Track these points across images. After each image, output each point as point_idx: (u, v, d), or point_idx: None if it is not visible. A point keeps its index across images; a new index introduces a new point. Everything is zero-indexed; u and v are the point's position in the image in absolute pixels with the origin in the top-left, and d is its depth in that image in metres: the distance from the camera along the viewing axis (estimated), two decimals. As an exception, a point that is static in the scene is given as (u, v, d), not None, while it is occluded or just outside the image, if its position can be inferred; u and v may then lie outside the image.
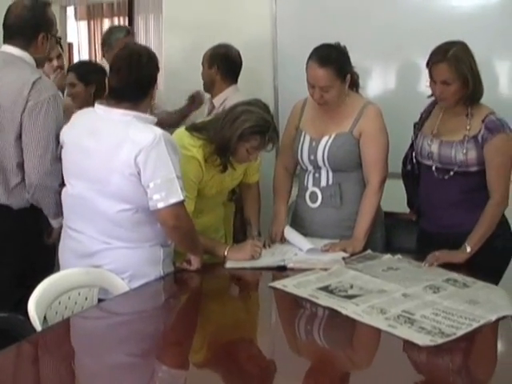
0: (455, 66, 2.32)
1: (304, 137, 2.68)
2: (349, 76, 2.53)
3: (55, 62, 3.67)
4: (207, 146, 2.46)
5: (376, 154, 2.59)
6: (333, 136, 2.61)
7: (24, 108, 2.44)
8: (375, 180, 2.59)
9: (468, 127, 2.40)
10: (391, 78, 3.51)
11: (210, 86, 3.45)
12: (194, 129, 2.53)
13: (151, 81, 2.24)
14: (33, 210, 2.57)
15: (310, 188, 2.68)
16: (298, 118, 2.74)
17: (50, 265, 2.55)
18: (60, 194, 2.39)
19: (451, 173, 2.42)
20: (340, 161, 2.60)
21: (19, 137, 2.47)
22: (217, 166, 2.48)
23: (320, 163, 2.64)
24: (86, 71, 3.32)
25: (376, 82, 3.35)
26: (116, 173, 2.16)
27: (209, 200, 2.61)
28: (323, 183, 2.65)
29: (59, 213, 2.45)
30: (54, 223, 2.59)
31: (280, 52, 3.68)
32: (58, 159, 2.44)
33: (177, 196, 2.16)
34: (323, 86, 2.49)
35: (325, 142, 2.62)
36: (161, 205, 2.14)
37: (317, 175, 2.67)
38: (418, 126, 2.61)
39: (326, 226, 2.66)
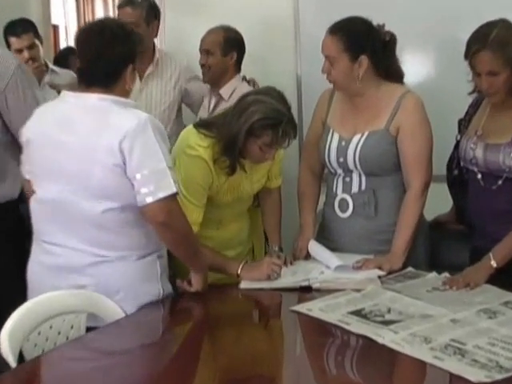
0: (501, 51, 2.30)
1: (332, 135, 2.68)
2: (364, 59, 2.51)
3: (26, 54, 3.66)
4: (217, 144, 2.47)
5: (417, 152, 2.57)
6: (366, 134, 2.60)
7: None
8: (417, 183, 2.57)
9: None
10: (432, 63, 3.53)
11: (219, 76, 3.47)
12: (201, 125, 2.54)
13: (126, 61, 2.22)
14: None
15: (340, 195, 2.68)
16: (325, 111, 2.74)
17: None
18: None
19: (499, 182, 2.42)
20: (374, 163, 2.60)
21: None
22: (225, 168, 2.49)
23: (351, 166, 2.63)
24: None
25: (413, 69, 3.31)
26: (98, 165, 2.14)
27: (227, 208, 2.63)
28: (355, 189, 2.65)
29: None
30: None
31: (303, 34, 3.70)
32: None
33: (168, 189, 2.14)
34: (328, 56, 2.52)
35: (356, 141, 2.61)
36: (149, 199, 2.13)
37: (347, 180, 2.67)
38: (464, 124, 2.60)
39: (357, 239, 2.65)
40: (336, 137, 2.67)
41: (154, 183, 2.13)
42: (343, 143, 2.64)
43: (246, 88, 3.21)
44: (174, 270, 2.48)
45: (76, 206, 2.19)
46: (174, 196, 2.16)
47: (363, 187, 2.63)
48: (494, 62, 2.31)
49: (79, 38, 2.26)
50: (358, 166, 2.61)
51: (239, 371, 1.88)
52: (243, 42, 3.47)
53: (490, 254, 2.34)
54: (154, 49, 3.66)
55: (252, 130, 2.39)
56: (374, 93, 2.60)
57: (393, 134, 2.58)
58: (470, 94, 2.53)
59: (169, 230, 2.20)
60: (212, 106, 3.50)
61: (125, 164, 2.13)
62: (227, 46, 3.43)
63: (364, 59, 2.52)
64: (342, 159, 2.64)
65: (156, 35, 3.72)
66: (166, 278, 2.37)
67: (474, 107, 2.60)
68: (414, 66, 3.42)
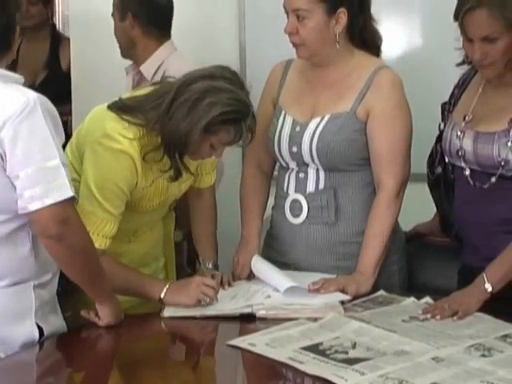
0: (501, 11, 2.30)
1: (284, 119, 2.69)
2: (343, 13, 2.54)
3: None
4: (145, 135, 2.44)
5: (392, 144, 2.59)
6: (326, 118, 2.61)
7: None
8: (391, 183, 2.59)
9: None
10: (414, 30, 3.57)
11: (128, 48, 3.48)
12: (122, 109, 2.48)
13: (12, 26, 2.22)
14: None
15: (292, 195, 2.69)
16: (277, 89, 2.75)
17: None
18: None
19: (493, 179, 2.43)
20: (336, 155, 2.61)
21: None
22: (164, 171, 2.48)
23: (306, 158, 2.63)
24: None
25: (390, 39, 3.28)
26: None
27: (145, 216, 2.63)
28: (310, 188, 2.66)
29: None
30: None
31: None
32: None
33: (62, 192, 2.07)
34: (296, 10, 2.52)
35: (314, 126, 2.62)
36: (36, 205, 2.06)
37: (301, 176, 2.68)
38: (449, 108, 2.63)
39: (313, 252, 2.67)
40: (289, 120, 2.68)
41: (43, 184, 2.06)
42: (297, 128, 2.65)
43: (177, 64, 3.24)
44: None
45: None
46: (70, 201, 2.11)
47: (321, 186, 2.65)
48: (490, 25, 2.33)
49: None
50: (316, 159, 2.62)
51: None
52: None
53: (484, 276, 2.34)
54: None
55: (210, 126, 2.38)
56: (342, 65, 2.63)
57: (361, 118, 2.60)
58: (459, 65, 2.56)
59: (62, 246, 2.14)
60: (131, 85, 3.52)
61: (3, 159, 2.07)
62: (121, 7, 3.45)
63: (343, 13, 2.55)
64: (295, 149, 2.65)
65: None
66: (53, 316, 2.32)
67: (460, 88, 2.63)
68: (391, 34, 3.42)
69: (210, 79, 2.41)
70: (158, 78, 3.06)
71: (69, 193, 2.09)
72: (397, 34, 3.55)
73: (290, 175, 2.70)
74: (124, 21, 3.42)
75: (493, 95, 2.48)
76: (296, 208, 2.68)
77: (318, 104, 2.64)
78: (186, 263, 3.24)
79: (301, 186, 2.67)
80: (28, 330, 2.22)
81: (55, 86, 4.39)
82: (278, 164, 2.79)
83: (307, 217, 2.66)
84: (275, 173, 2.85)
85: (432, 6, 3.46)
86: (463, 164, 2.50)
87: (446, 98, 2.66)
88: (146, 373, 2.11)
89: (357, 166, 2.63)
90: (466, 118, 2.50)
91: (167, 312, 2.40)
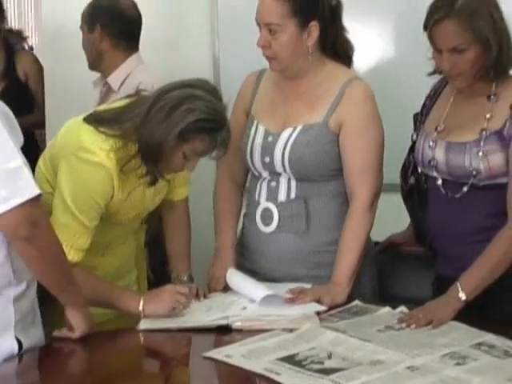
0: (468, 22, 2.31)
1: (256, 128, 2.70)
2: (315, 26, 2.54)
3: None
4: (122, 147, 2.42)
5: (365, 156, 2.60)
6: (299, 128, 2.61)
7: None
8: (364, 194, 2.60)
9: (488, 116, 2.41)
10: (387, 41, 3.57)
11: (96, 59, 3.45)
12: (98, 121, 2.46)
13: None
14: None
15: (263, 203, 2.70)
16: (249, 98, 2.76)
17: None
18: None
19: (464, 188, 2.44)
20: (308, 166, 2.61)
21: None
22: (140, 176, 2.46)
23: (278, 168, 2.65)
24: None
25: (361, 49, 3.25)
26: None
27: (119, 229, 2.62)
28: (282, 197, 2.67)
29: None
30: None
31: (221, 5, 3.74)
32: None
33: (29, 190, 2.04)
34: (268, 24, 2.52)
35: (286, 136, 2.62)
36: (3, 208, 2.01)
37: (273, 185, 2.69)
38: (421, 119, 2.63)
39: (284, 260, 2.68)
40: (261, 130, 2.69)
41: (8, 185, 2.02)
42: (270, 139, 2.66)
43: (143, 76, 3.19)
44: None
45: None
46: (37, 200, 2.07)
47: (292, 195, 2.66)
48: (458, 36, 2.33)
49: None
50: (288, 169, 2.63)
51: None
52: (119, 9, 3.42)
53: (458, 284, 2.34)
54: None
55: (185, 132, 2.36)
56: (313, 76, 2.62)
57: (333, 129, 2.60)
58: (430, 74, 2.55)
59: (32, 248, 2.10)
60: (98, 98, 3.51)
61: None
62: (90, 19, 3.42)
63: (314, 26, 2.55)
64: (267, 159, 2.65)
65: None
66: (33, 325, 2.29)
67: (432, 98, 2.63)
68: (363, 43, 3.33)
69: (190, 87, 2.40)
70: (124, 89, 3.14)
71: (36, 190, 2.05)
72: (368, 45, 3.51)
73: (261, 184, 2.71)
74: (92, 33, 3.40)
75: (464, 105, 2.48)
76: (267, 217, 2.68)
77: (291, 114, 2.65)
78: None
79: (272, 195, 2.68)
80: (8, 344, 2.19)
81: (15, 96, 4.32)
82: (250, 175, 2.79)
83: (278, 226, 2.67)
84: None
85: (403, 16, 3.46)
86: (435, 174, 2.50)
87: (419, 109, 2.67)
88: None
89: (329, 177, 2.64)
90: (438, 128, 2.50)
91: (143, 324, 2.39)
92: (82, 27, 3.45)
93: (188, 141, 2.38)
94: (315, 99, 2.62)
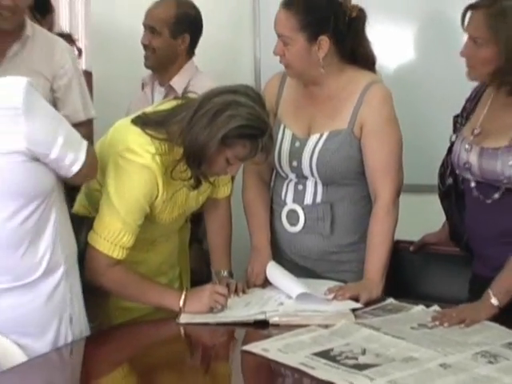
0: (493, 20, 2.29)
1: (284, 132, 2.71)
2: (325, 40, 2.54)
3: None
4: (168, 150, 2.43)
5: (384, 157, 2.62)
6: (325, 135, 2.63)
7: None
8: (386, 193, 2.62)
9: None
10: (416, 45, 3.52)
11: (166, 62, 3.43)
12: (145, 123, 2.46)
13: None
14: None
15: (290, 204, 2.72)
16: (275, 99, 2.76)
17: None
18: None
19: (496, 195, 2.42)
20: (335, 171, 2.64)
21: None
22: (185, 179, 2.46)
23: (306, 172, 2.66)
24: None
25: (390, 53, 3.41)
26: None
27: (164, 227, 2.62)
28: (308, 200, 2.70)
29: None
30: None
31: (263, 11, 3.75)
32: None
33: (83, 145, 2.26)
34: (281, 35, 2.55)
35: (313, 143, 2.64)
36: (79, 165, 2.23)
37: (300, 188, 2.71)
38: (461, 121, 2.61)
39: (307, 260, 2.73)
40: (288, 135, 2.70)
41: (71, 149, 2.21)
42: (297, 144, 2.67)
43: (204, 80, 3.19)
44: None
45: None
46: (88, 146, 2.29)
47: (318, 199, 2.68)
48: (480, 29, 2.32)
49: None
50: (315, 173, 2.65)
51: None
52: (200, 20, 3.43)
53: (489, 291, 2.33)
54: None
55: (227, 138, 2.34)
56: (334, 81, 2.63)
57: (357, 134, 2.62)
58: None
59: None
60: (159, 99, 3.42)
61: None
62: (178, 27, 3.38)
63: (324, 40, 2.54)
64: (295, 163, 2.67)
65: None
66: (81, 314, 2.34)
67: (472, 101, 2.60)
68: (392, 48, 3.45)
69: (233, 94, 2.38)
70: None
71: (84, 143, 2.26)
72: (402, 51, 3.54)
73: (288, 185, 2.73)
74: (176, 39, 3.38)
75: (500, 111, 2.45)
76: (293, 217, 2.70)
77: (315, 119, 2.65)
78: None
79: (298, 197, 2.70)
80: (64, 328, 2.27)
81: None
82: (274, 173, 2.81)
83: (304, 227, 2.69)
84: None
85: (428, 20, 3.43)
86: (469, 176, 2.49)
87: (454, 111, 2.65)
88: (161, 377, 2.13)
89: (353, 180, 2.66)
90: (475, 131, 2.48)
91: (183, 319, 2.39)
92: (158, 29, 3.38)
93: (230, 146, 2.37)
94: (338, 103, 2.62)
